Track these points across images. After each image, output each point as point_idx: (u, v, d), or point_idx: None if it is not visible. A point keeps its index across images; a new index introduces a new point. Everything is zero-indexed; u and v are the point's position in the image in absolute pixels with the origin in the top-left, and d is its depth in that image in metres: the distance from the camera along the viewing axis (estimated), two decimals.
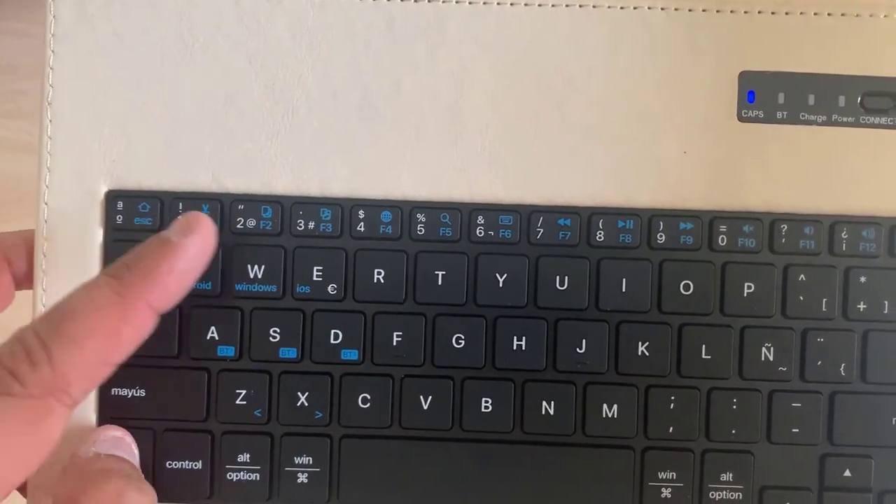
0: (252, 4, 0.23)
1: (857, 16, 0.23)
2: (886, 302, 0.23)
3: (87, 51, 0.23)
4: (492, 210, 0.23)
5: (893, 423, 0.23)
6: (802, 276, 0.23)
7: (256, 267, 0.23)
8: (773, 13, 0.23)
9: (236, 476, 0.22)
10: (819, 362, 0.23)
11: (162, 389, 0.23)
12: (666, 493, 0.23)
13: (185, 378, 0.23)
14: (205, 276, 0.22)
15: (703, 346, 0.23)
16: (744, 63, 0.23)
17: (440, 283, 0.23)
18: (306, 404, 0.23)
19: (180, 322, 0.23)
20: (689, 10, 0.23)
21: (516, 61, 0.23)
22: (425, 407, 0.23)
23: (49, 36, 0.24)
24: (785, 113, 0.23)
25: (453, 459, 0.23)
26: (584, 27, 0.23)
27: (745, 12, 0.23)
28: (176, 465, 0.23)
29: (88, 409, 0.23)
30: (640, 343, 0.23)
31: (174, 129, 0.23)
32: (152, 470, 0.23)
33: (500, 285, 0.23)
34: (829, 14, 0.23)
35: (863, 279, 0.23)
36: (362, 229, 0.23)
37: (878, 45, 0.23)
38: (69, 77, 0.24)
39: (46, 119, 0.23)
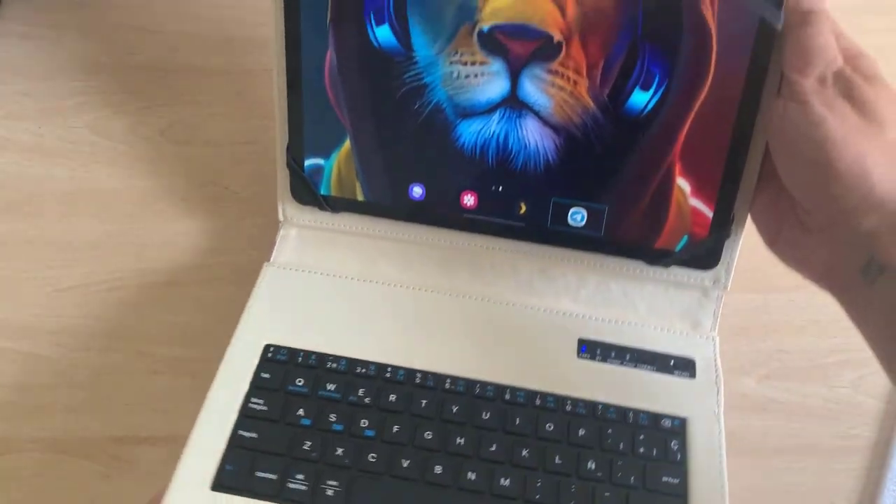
0: (359, 286, 0.46)
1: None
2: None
3: (276, 285, 0.45)
4: (453, 378, 0.41)
5: None
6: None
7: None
8: (583, 316, 0.44)
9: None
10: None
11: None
12: None
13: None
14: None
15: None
16: (580, 334, 0.44)
17: (428, 404, 0.40)
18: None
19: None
20: (559, 312, 0.45)
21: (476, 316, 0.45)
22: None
23: (262, 280, 0.45)
24: (598, 357, 0.43)
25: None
26: (501, 320, 0.44)
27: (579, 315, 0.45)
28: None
29: None
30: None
31: (311, 324, 0.43)
32: None
33: (454, 411, 0.40)
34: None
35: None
36: (399, 378, 0.41)
37: None
38: (264, 296, 0.44)
39: (248, 311, 0.43)
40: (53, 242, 0.51)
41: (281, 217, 0.47)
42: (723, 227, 0.41)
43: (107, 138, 0.53)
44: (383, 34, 0.41)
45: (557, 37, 0.39)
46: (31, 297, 0.50)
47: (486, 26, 0.39)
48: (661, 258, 0.43)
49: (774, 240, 0.39)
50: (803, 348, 0.48)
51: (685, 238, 0.42)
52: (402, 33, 0.40)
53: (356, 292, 0.45)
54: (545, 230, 0.44)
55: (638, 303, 0.45)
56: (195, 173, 0.54)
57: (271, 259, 0.47)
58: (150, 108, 0.55)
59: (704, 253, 0.42)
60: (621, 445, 0.39)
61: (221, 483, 0.37)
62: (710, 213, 0.41)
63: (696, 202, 0.41)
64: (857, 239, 0.34)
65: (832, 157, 0.33)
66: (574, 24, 0.39)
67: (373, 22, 0.41)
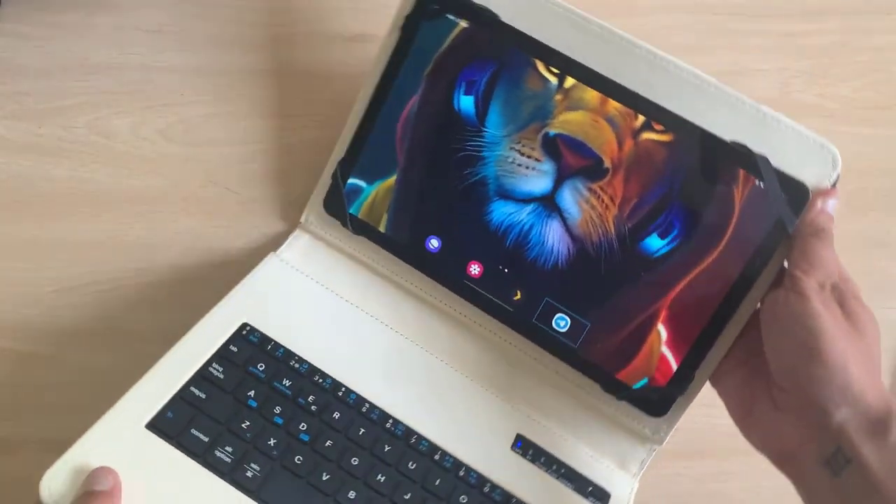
0: (345, 307, 0.49)
1: None
2: None
3: (273, 276, 0.48)
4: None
5: None
6: None
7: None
8: (528, 416, 0.47)
9: None
10: None
11: None
12: None
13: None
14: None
15: None
16: (519, 429, 0.46)
17: (365, 434, 0.43)
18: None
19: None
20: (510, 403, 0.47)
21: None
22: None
23: (262, 267, 0.48)
24: (529, 456, 0.45)
25: None
26: (457, 389, 0.47)
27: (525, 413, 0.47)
28: None
29: None
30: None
31: (289, 321, 0.46)
32: None
33: (385, 450, 0.43)
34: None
35: None
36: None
37: None
38: (258, 281, 0.47)
39: (238, 289, 0.46)
40: (53, 242, 0.51)
41: (303, 219, 0.50)
42: (681, 384, 0.44)
43: (106, 138, 0.52)
44: (466, 103, 0.45)
45: (607, 163, 0.43)
46: (31, 297, 0.50)
47: (552, 131, 0.44)
48: (617, 388, 0.46)
49: (745, 416, 0.42)
50: None
51: (645, 380, 0.45)
52: (482, 109, 0.45)
53: (340, 311, 0.48)
54: (528, 323, 0.47)
55: (580, 427, 0.47)
56: (195, 173, 0.54)
57: (278, 252, 0.49)
58: (150, 108, 0.54)
59: (656, 400, 0.45)
60: None
61: (156, 425, 0.40)
62: (675, 366, 0.44)
63: (667, 351, 0.45)
64: (828, 427, 0.37)
65: (822, 346, 0.37)
66: (625, 160, 0.43)
67: (461, 89, 0.45)
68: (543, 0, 0.44)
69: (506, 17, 0.44)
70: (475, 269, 0.47)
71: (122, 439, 0.39)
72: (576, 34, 0.43)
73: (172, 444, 0.39)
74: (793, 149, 0.41)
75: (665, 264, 0.44)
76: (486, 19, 0.44)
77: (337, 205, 0.49)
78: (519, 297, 0.47)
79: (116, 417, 0.40)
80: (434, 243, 0.48)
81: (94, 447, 0.38)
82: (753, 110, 0.42)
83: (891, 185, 0.53)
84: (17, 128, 0.52)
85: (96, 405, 0.46)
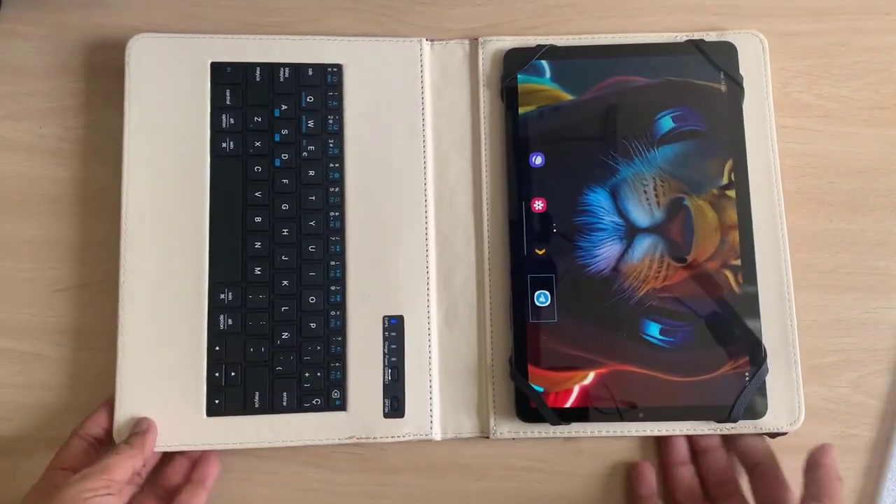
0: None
1: None
2: None
3: (396, 55, 0.53)
4: None
5: None
6: None
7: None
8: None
9: None
10: None
11: None
12: None
13: None
14: None
15: None
16: (406, 314, 0.49)
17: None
18: None
19: None
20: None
21: None
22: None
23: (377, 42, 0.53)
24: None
25: None
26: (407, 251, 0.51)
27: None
28: None
29: None
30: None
31: (374, 101, 0.51)
32: None
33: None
34: None
35: None
36: None
37: None
38: (373, 54, 0.52)
39: (365, 41, 0.52)
40: (54, 242, 0.51)
41: (482, 41, 0.53)
42: (559, 419, 0.47)
43: (107, 138, 0.52)
44: (666, 123, 0.50)
45: (689, 259, 0.48)
46: (31, 297, 0.50)
47: (687, 202, 0.49)
48: (518, 369, 0.48)
49: None
50: (803, 348, 0.49)
51: (542, 389, 0.48)
52: (668, 139, 0.50)
53: (413, 124, 0.51)
54: (523, 275, 0.49)
55: (448, 363, 0.49)
56: None
57: (429, 44, 0.53)
58: None
59: (532, 407, 0.47)
60: None
61: (217, 68, 0.50)
62: (569, 405, 0.47)
63: (577, 391, 0.47)
64: None
65: None
66: (702, 270, 0.48)
67: (675, 113, 0.50)
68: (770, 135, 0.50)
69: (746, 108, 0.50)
70: (539, 205, 0.50)
71: (192, 58, 0.49)
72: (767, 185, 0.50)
73: (210, 84, 0.49)
74: None
75: (641, 347, 0.48)
76: (735, 100, 0.50)
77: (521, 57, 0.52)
78: (541, 253, 0.49)
79: (211, 43, 0.50)
80: (537, 160, 0.50)
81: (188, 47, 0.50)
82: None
83: (891, 185, 0.53)
84: (18, 128, 0.52)
85: (97, 405, 0.47)
